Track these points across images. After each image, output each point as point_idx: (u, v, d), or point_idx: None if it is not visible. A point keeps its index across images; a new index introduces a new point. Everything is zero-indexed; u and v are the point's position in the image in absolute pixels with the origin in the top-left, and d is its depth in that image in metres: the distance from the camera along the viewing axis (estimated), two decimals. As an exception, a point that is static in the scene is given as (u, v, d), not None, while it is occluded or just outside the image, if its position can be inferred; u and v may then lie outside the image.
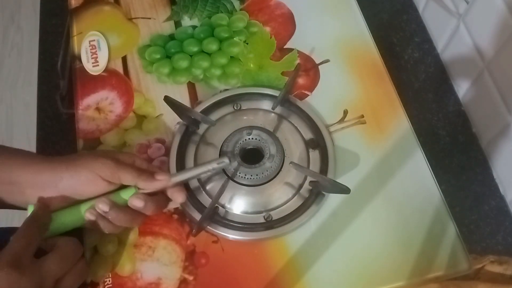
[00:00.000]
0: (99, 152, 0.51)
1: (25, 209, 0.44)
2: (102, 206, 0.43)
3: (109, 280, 0.47)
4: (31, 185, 0.44)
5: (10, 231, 0.41)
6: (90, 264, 0.47)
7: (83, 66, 0.59)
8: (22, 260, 0.39)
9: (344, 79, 0.59)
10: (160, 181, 0.46)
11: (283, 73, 0.59)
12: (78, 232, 0.49)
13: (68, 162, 0.45)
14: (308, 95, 0.58)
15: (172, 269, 0.48)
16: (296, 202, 0.51)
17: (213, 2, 0.64)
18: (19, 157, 0.45)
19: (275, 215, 0.50)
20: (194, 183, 0.52)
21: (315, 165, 0.53)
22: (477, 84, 0.57)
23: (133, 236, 0.49)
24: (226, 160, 0.49)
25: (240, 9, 0.63)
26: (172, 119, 0.55)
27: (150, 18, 0.63)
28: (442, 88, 0.61)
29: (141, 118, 0.56)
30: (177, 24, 0.63)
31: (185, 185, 0.51)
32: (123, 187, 0.46)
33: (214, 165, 0.48)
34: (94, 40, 0.60)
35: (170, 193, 0.47)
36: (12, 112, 1.42)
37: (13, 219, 1.16)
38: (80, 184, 0.44)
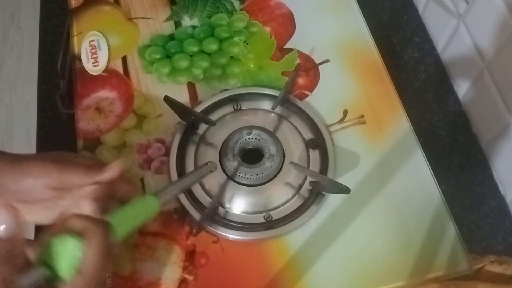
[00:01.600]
0: (46, 155, 0.42)
1: None
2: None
3: (109, 280, 0.47)
4: None
5: None
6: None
7: (83, 66, 0.59)
8: None
9: (344, 79, 0.59)
10: (113, 169, 0.40)
11: (283, 73, 0.59)
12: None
13: (12, 165, 0.39)
14: (308, 95, 0.58)
15: (172, 269, 0.48)
16: (296, 202, 0.51)
17: (213, 2, 0.64)
18: None
19: (275, 215, 0.50)
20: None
21: (315, 165, 0.53)
22: (477, 84, 0.57)
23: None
24: (213, 165, 0.49)
25: (240, 9, 0.63)
26: (172, 119, 0.55)
27: (150, 18, 0.63)
28: (442, 88, 0.61)
29: (141, 118, 0.56)
30: (177, 24, 0.63)
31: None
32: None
33: (202, 172, 0.48)
34: (94, 40, 0.60)
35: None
36: (12, 112, 1.42)
37: (13, 219, 1.16)
38: (23, 193, 0.38)
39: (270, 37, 0.61)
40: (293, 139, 0.54)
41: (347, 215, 0.50)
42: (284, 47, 0.61)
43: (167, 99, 0.52)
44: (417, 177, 0.53)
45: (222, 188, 0.49)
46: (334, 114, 0.56)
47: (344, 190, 0.46)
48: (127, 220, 0.39)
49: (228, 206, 0.51)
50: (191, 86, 0.58)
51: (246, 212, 0.51)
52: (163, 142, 0.54)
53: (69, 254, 0.34)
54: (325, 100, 0.57)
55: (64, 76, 0.60)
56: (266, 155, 0.51)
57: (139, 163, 0.53)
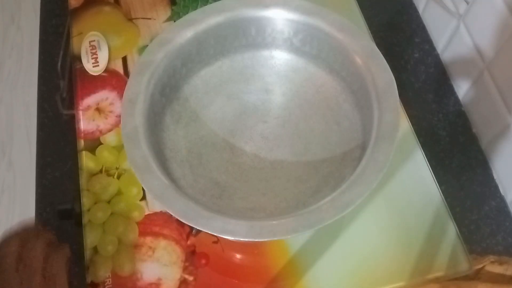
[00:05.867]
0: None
1: None
2: None
3: (109, 281, 0.47)
4: None
5: None
6: (90, 264, 0.48)
7: (83, 66, 0.59)
8: None
9: (344, 79, 0.58)
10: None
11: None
12: (79, 232, 0.49)
13: None
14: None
15: (172, 269, 0.48)
16: (296, 202, 0.51)
17: (213, 2, 0.64)
18: None
19: (275, 215, 0.50)
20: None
21: (315, 165, 0.53)
22: (477, 84, 0.57)
23: (133, 236, 0.49)
24: None
25: (240, 10, 0.63)
26: (172, 120, 0.55)
27: (150, 19, 0.63)
28: (442, 89, 0.61)
29: (141, 119, 0.56)
30: (177, 24, 0.63)
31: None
32: None
33: None
34: (94, 41, 0.60)
35: None
36: (12, 112, 1.42)
37: (13, 218, 1.16)
38: None
39: (270, 38, 0.61)
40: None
41: (347, 215, 0.50)
42: (284, 47, 0.61)
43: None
44: (417, 177, 0.53)
45: (222, 188, 0.49)
46: (334, 114, 0.56)
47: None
48: None
49: (228, 206, 0.51)
50: (191, 87, 0.58)
51: (246, 212, 0.51)
52: (163, 143, 0.54)
53: None
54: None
55: (64, 76, 0.60)
56: (266, 155, 0.51)
57: (139, 164, 0.53)
